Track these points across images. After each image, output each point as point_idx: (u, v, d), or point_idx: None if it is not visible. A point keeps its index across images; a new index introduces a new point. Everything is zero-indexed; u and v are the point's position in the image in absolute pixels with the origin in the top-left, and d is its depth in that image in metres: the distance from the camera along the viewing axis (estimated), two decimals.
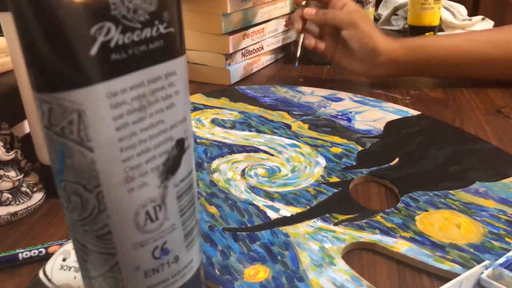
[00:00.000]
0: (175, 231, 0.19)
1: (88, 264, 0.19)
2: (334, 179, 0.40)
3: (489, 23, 0.97)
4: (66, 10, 0.14)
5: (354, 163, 0.43)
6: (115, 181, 0.17)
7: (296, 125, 0.52)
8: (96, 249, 0.18)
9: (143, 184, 0.17)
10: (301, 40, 0.62)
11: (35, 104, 0.16)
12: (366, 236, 0.32)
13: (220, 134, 0.49)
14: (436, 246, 0.31)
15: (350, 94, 0.62)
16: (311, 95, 0.61)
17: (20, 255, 0.30)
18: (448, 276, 0.28)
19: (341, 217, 0.34)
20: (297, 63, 0.62)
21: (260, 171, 0.42)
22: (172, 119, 0.18)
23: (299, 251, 0.31)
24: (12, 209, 0.35)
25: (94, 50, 0.15)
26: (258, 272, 0.29)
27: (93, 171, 0.16)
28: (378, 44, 0.59)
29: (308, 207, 0.36)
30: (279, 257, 0.30)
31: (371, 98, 0.60)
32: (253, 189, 0.39)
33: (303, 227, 0.33)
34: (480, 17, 0.98)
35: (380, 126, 0.51)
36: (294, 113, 0.56)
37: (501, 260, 0.28)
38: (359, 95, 0.61)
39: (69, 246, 0.28)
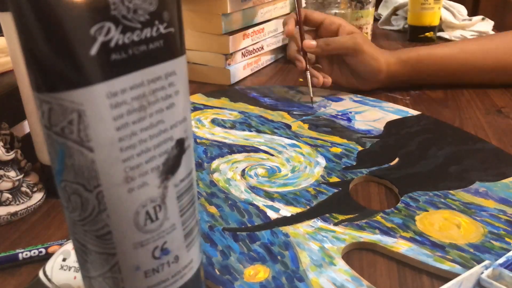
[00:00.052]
0: (175, 231, 0.19)
1: (88, 264, 0.19)
2: (334, 179, 0.40)
3: (489, 23, 0.97)
4: (66, 10, 0.14)
5: (354, 163, 0.43)
6: (115, 181, 0.17)
7: (296, 125, 0.52)
8: (96, 249, 0.18)
9: (143, 184, 0.17)
10: (308, 78, 0.58)
11: (35, 104, 0.16)
12: (366, 236, 0.32)
13: (220, 134, 0.49)
14: (436, 246, 0.31)
15: (350, 94, 0.62)
16: (311, 95, 0.61)
17: (20, 255, 0.30)
18: (448, 276, 0.28)
19: (341, 217, 0.34)
20: (312, 105, 0.57)
21: (260, 171, 0.42)
22: (172, 119, 0.18)
23: (299, 251, 0.31)
24: (12, 209, 0.35)
25: (94, 50, 0.15)
26: (258, 272, 0.29)
27: (93, 171, 0.16)
28: (382, 64, 0.59)
29: (308, 207, 0.36)
30: (279, 257, 0.30)
31: (371, 98, 0.60)
32: (253, 189, 0.39)
33: (303, 227, 0.33)
34: (480, 17, 0.98)
35: (380, 126, 0.51)
36: (294, 113, 0.56)
37: (501, 260, 0.28)
38: (359, 95, 0.61)
39: (69, 246, 0.28)
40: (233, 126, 0.52)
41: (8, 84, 0.43)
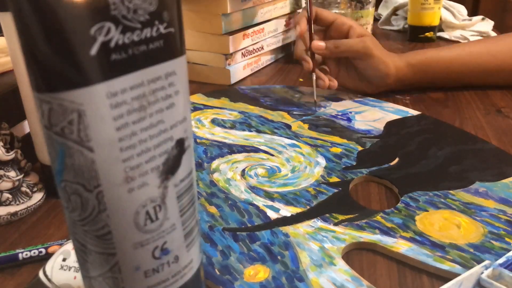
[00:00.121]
0: (175, 231, 0.19)
1: (88, 264, 0.19)
2: (334, 179, 0.40)
3: (489, 23, 0.97)
4: (66, 10, 0.14)
5: (354, 163, 0.43)
6: (115, 181, 0.17)
7: (296, 125, 0.52)
8: (96, 249, 0.18)
9: (143, 184, 0.17)
10: (314, 80, 0.57)
11: (35, 104, 0.16)
12: (366, 236, 0.32)
13: (220, 134, 0.49)
14: (436, 246, 0.31)
15: (350, 94, 0.62)
16: (311, 95, 0.61)
17: (20, 255, 0.30)
18: (448, 276, 0.28)
19: (341, 217, 0.34)
20: (315, 108, 0.56)
21: (260, 171, 0.42)
22: (172, 119, 0.18)
23: (299, 251, 0.31)
24: (12, 209, 0.35)
25: (94, 50, 0.15)
26: (258, 272, 0.29)
27: (93, 171, 0.16)
28: (391, 68, 0.59)
29: (308, 207, 0.36)
30: (279, 257, 0.30)
31: (371, 98, 0.60)
32: (253, 189, 0.39)
33: (303, 227, 0.33)
34: (480, 17, 0.98)
35: (380, 126, 0.51)
36: (294, 113, 0.56)
37: (501, 260, 0.28)
38: (359, 95, 0.61)
39: (69, 246, 0.28)
40: (233, 126, 0.52)
41: (8, 84, 0.43)
